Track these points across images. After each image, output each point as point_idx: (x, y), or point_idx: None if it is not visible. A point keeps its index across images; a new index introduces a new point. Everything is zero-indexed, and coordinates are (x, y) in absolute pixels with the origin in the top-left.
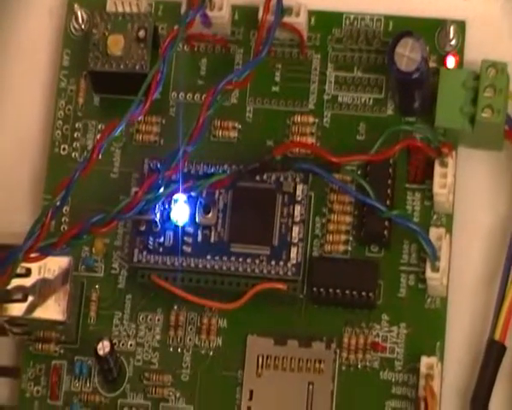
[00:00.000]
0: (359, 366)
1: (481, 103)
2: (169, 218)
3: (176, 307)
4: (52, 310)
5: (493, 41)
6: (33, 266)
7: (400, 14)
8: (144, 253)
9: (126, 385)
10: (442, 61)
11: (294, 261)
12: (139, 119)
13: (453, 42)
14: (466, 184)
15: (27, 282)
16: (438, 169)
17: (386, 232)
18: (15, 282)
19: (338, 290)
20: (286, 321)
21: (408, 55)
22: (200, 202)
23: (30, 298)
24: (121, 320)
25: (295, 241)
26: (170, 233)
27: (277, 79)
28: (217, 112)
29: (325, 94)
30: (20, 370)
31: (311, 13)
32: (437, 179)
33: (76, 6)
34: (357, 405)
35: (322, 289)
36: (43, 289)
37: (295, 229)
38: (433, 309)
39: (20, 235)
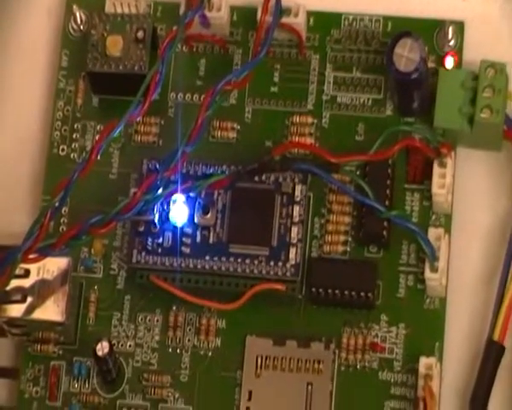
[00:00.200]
0: (358, 367)
1: (480, 104)
2: (168, 218)
3: (175, 308)
4: (51, 311)
5: (492, 41)
6: (32, 267)
7: (399, 15)
8: (143, 253)
9: (125, 386)
10: (441, 62)
11: (293, 262)
12: (138, 119)
13: (452, 42)
14: (465, 184)
15: (26, 283)
16: (437, 169)
17: (385, 233)
18: (14, 283)
19: (337, 291)
20: (285, 322)
21: (407, 55)
22: (199, 203)
23: (29, 299)
24: (120, 321)
25: (294, 241)
26: (169, 234)
27: (276, 79)
28: (215, 112)
29: (324, 94)
30: (18, 371)
31: (309, 13)
32: (436, 180)
33: (75, 7)
34: (356, 405)
35: (321, 290)
36: (41, 290)
37: (294, 229)
38: (432, 309)
39: (18, 236)
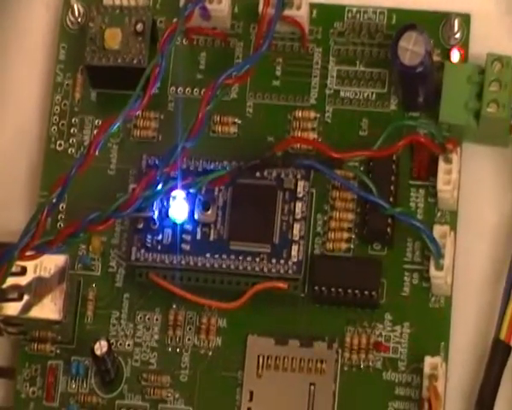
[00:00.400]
0: (362, 367)
1: (486, 98)
2: (167, 215)
3: (174, 307)
4: (48, 309)
5: (499, 34)
6: (29, 265)
7: (404, 7)
8: (142, 251)
9: (124, 386)
10: (446, 55)
11: (295, 260)
12: (137, 114)
13: (458, 35)
14: (471, 180)
15: (23, 281)
16: (442, 165)
17: (389, 230)
18: (10, 281)
19: (340, 289)
20: (287, 321)
21: (411, 48)
22: (200, 199)
23: (25, 297)
24: (119, 320)
25: (296, 239)
26: (168, 231)
27: (278, 73)
28: (216, 107)
29: (327, 88)
30: (15, 370)
31: (312, 6)
32: (441, 176)
33: None
34: (360, 406)
35: (323, 288)
36: (38, 288)
37: (296, 226)
38: (438, 308)
39: (15, 233)
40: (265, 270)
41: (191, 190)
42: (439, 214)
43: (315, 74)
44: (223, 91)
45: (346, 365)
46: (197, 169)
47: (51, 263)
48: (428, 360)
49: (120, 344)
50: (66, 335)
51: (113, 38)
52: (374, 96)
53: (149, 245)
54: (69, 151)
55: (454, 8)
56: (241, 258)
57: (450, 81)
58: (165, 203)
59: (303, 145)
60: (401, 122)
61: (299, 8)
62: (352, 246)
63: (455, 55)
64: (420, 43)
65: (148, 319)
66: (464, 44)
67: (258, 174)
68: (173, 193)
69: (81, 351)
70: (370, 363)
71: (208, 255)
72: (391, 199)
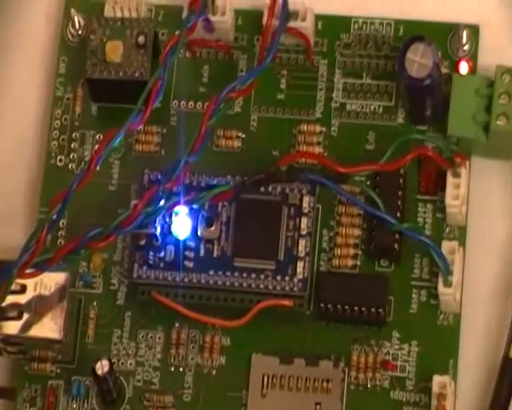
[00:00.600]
0: (369, 386)
1: (496, 111)
2: (170, 232)
3: (177, 325)
4: (48, 328)
5: (508, 46)
6: (29, 283)
7: (411, 19)
8: (144, 268)
9: (126, 406)
10: (455, 67)
11: (301, 276)
12: (139, 128)
13: (466, 47)
14: (480, 195)
15: (22, 299)
16: (450, 180)
17: (396, 246)
18: (10, 299)
19: (346, 307)
20: (292, 339)
21: (419, 60)
22: (203, 215)
23: (25, 316)
24: (120, 339)
25: (302, 255)
26: (171, 248)
27: (283, 86)
28: (220, 121)
29: (333, 102)
30: (15, 390)
31: (317, 17)
32: (449, 190)
33: (73, 11)
34: None
35: (329, 306)
36: (38, 307)
37: (302, 242)
38: (446, 326)
39: (14, 250)
40: (270, 287)
41: (194, 206)
42: (447, 230)
43: (320, 87)
44: (226, 105)
45: (352, 384)
46: (200, 184)
47: (51, 281)
48: (437, 379)
49: (122, 363)
50: (66, 354)
51: (115, 50)
52: (380, 109)
53: (151, 262)
54: (70, 166)
55: (462, 20)
56: (245, 275)
57: (458, 94)
58: (167, 219)
59: (308, 160)
60: (408, 136)
61: (304, 19)
62: (358, 262)
63: (463, 68)
64: (427, 54)
65: (151, 337)
66: (473, 56)
67: (262, 189)
68: (176, 209)
69: (82, 371)
70: (377, 382)
71: (212, 272)
72: (398, 214)
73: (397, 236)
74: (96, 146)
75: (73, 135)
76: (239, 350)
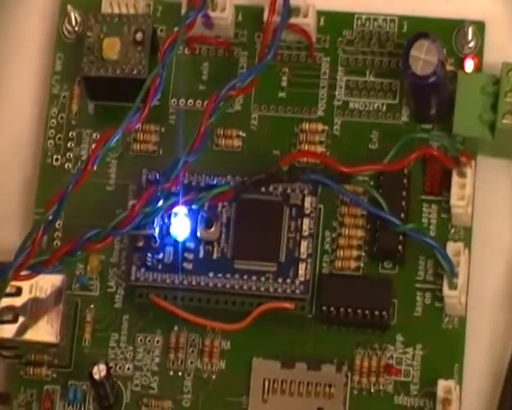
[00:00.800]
0: (372, 391)
1: (502, 109)
2: (168, 233)
3: (176, 328)
4: (44, 332)
5: None
6: (24, 285)
7: (415, 15)
8: (142, 270)
9: None
10: (460, 65)
11: (303, 279)
12: (137, 127)
13: (472, 44)
14: (486, 195)
15: (18, 302)
16: (456, 180)
17: (400, 247)
18: (5, 302)
19: (349, 310)
20: (294, 343)
21: (424, 57)
22: (202, 216)
23: (20, 319)
24: (118, 342)
25: (303, 257)
26: (169, 249)
27: (284, 84)
28: (219, 119)
29: (335, 100)
30: (10, 395)
31: (320, 13)
32: (455, 190)
33: (69, 7)
34: None
35: (332, 309)
36: (34, 310)
37: (303, 244)
38: (451, 329)
39: (9, 251)
40: (271, 290)
41: (193, 207)
42: (452, 231)
43: (323, 85)
44: (226, 103)
45: (355, 389)
46: (199, 184)
47: (47, 283)
48: (442, 384)
49: (120, 368)
50: (63, 358)
51: (112, 47)
52: (384, 107)
53: (150, 264)
54: (66, 166)
55: (468, 16)
56: (245, 277)
57: (463, 92)
58: (166, 220)
59: (310, 159)
60: (413, 135)
61: (305, 15)
62: (361, 264)
63: (469, 65)
64: (432, 51)
65: (149, 341)
66: (478, 53)
67: (263, 190)
68: (174, 209)
69: (79, 375)
70: (381, 387)
71: (211, 275)
72: (402, 215)
73: (401, 237)
74: (93, 145)
75: (70, 134)
76: (239, 354)
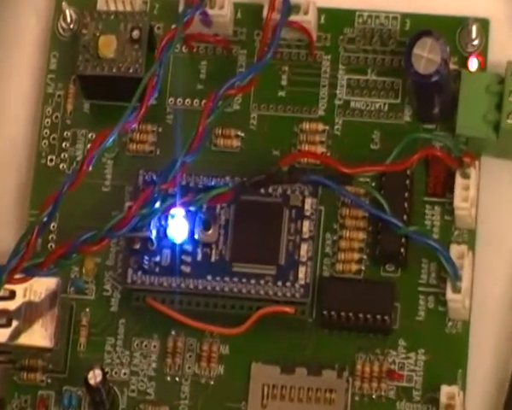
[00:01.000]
0: (374, 396)
1: (506, 109)
2: (166, 235)
3: (173, 333)
4: (38, 336)
5: None
6: (18, 289)
7: (418, 12)
8: (139, 273)
9: None
10: (464, 63)
11: (303, 282)
12: (133, 127)
13: (476, 42)
14: (490, 196)
15: (11, 305)
16: (459, 181)
17: (402, 250)
18: None
19: (350, 314)
20: (294, 347)
21: (426, 56)
22: (200, 218)
23: (14, 323)
24: (114, 347)
25: (304, 260)
26: (167, 252)
27: (284, 83)
28: (218, 119)
29: (336, 99)
30: (3, 401)
31: (320, 11)
32: (458, 192)
33: (64, 4)
34: None
35: (333, 313)
36: (28, 314)
37: (304, 247)
38: (455, 334)
39: (3, 254)
40: (271, 293)
41: (191, 208)
42: (456, 233)
43: (323, 84)
44: (225, 103)
45: (356, 394)
46: (197, 185)
47: (42, 286)
48: (445, 390)
49: (116, 373)
50: (57, 363)
51: (108, 45)
52: (386, 107)
53: (147, 267)
54: (61, 167)
55: (472, 13)
56: (244, 280)
57: (467, 91)
58: (163, 222)
59: (310, 160)
60: (415, 135)
61: (306, 13)
62: (363, 267)
63: (473, 64)
64: (435, 50)
65: (146, 346)
66: (483, 52)
67: (262, 191)
68: (172, 211)
69: (74, 380)
70: (383, 392)
71: (209, 278)
72: (405, 217)
73: (403, 239)
74: (89, 145)
75: (65, 134)
76: (238, 359)
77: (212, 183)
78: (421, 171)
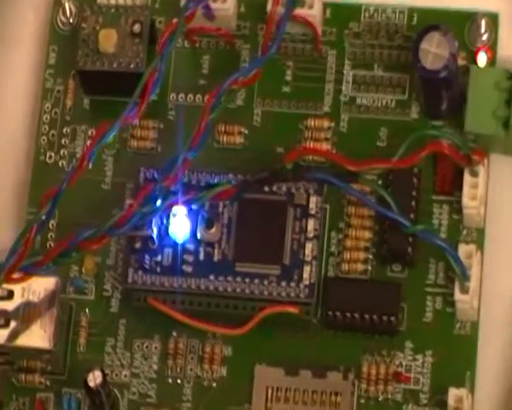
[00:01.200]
0: (380, 399)
1: None
2: (167, 234)
3: (175, 334)
4: (37, 337)
5: None
6: (16, 288)
7: (426, 6)
8: (140, 273)
9: None
10: (473, 58)
11: (307, 282)
12: (134, 123)
13: (485, 36)
14: (499, 195)
15: (9, 305)
16: (468, 179)
17: (410, 250)
18: None
19: (356, 314)
20: (298, 349)
21: (434, 51)
22: (202, 216)
23: (12, 323)
24: (114, 348)
25: (308, 259)
26: (168, 251)
27: (288, 78)
28: (221, 115)
29: (342, 95)
30: (1, 404)
31: (326, 4)
32: (467, 190)
33: None
34: None
35: (338, 313)
36: (26, 314)
37: (308, 246)
38: (463, 335)
39: (1, 252)
40: (275, 293)
41: (193, 206)
42: (464, 232)
43: (329, 79)
44: (228, 98)
45: (362, 397)
46: (200, 183)
47: (40, 286)
48: (453, 392)
49: (116, 375)
50: (56, 365)
51: (108, 39)
52: (393, 103)
53: (148, 266)
54: (60, 164)
55: (481, 7)
56: (247, 280)
57: (476, 87)
58: (164, 220)
59: (316, 157)
60: (423, 132)
61: (311, 6)
62: (369, 267)
63: (482, 59)
64: (443, 45)
65: (147, 347)
66: (492, 46)
67: (266, 188)
68: (174, 209)
69: (73, 382)
70: (389, 395)
71: (212, 278)
72: (412, 216)
73: (410, 239)
74: (89, 142)
75: (64, 130)
76: (241, 361)
77: (215, 180)
78: (428, 168)
